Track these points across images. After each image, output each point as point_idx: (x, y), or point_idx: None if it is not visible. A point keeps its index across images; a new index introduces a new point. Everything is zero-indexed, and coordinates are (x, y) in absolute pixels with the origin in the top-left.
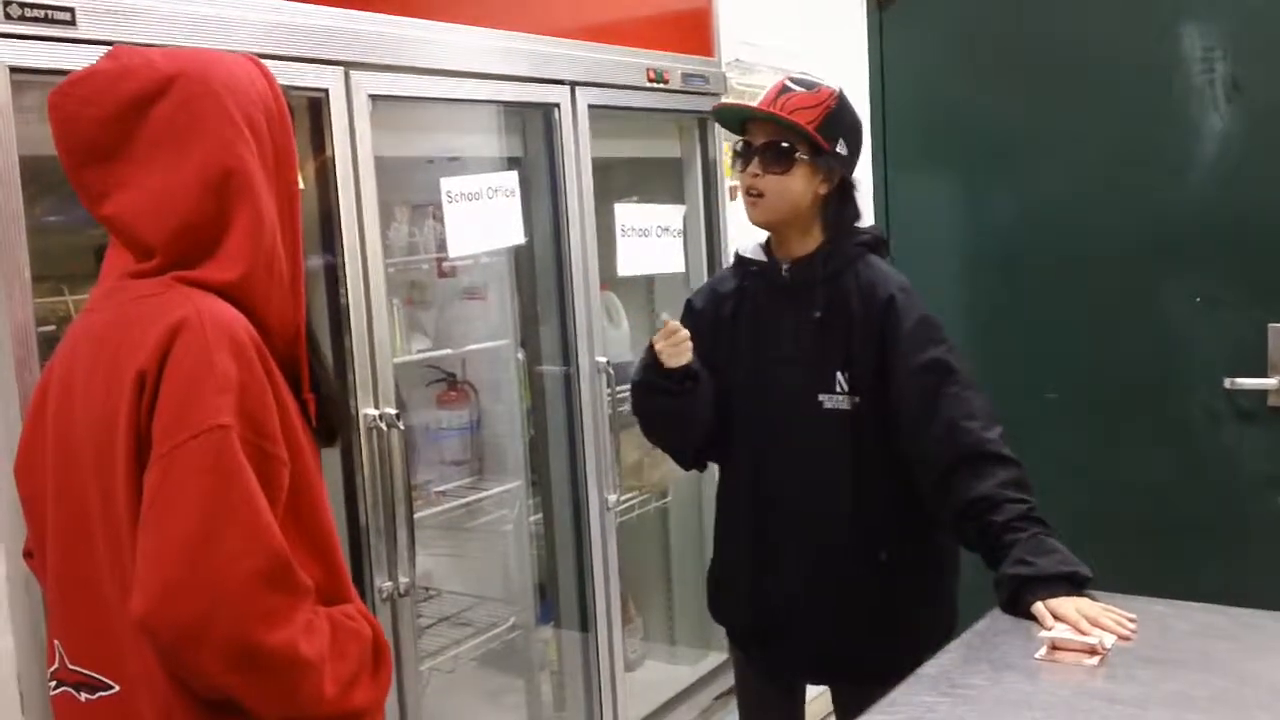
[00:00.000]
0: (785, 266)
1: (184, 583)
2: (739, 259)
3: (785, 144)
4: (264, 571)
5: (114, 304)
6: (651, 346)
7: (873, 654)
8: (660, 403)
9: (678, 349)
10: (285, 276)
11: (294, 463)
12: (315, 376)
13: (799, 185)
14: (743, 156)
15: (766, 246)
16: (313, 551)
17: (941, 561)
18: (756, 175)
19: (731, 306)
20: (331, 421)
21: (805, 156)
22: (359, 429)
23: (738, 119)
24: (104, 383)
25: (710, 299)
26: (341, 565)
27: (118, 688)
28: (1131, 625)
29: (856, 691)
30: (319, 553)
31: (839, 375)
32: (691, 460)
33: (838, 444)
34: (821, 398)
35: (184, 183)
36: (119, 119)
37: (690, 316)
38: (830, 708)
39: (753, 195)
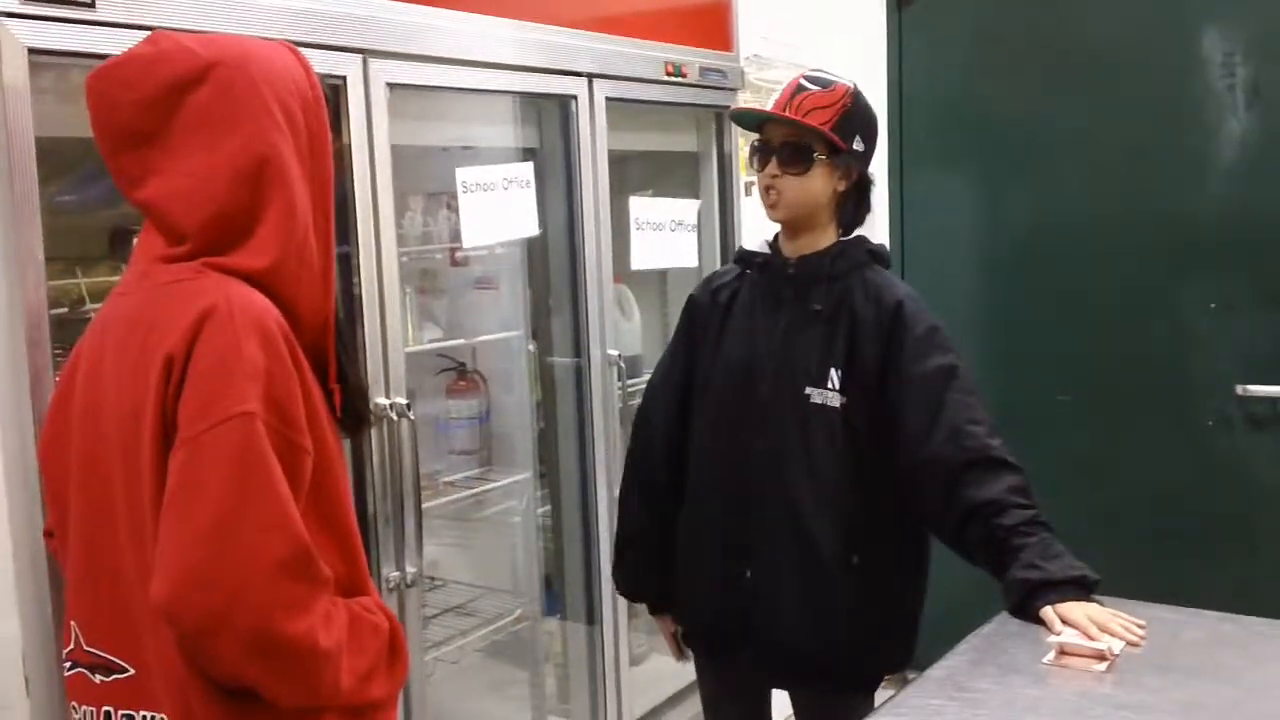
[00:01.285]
0: (791, 261)
1: (206, 570)
2: (742, 252)
3: (803, 144)
4: (286, 560)
5: (145, 288)
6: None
7: (839, 660)
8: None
9: None
10: (316, 266)
11: (317, 454)
12: (342, 367)
13: (817, 185)
14: (760, 155)
15: (773, 243)
16: (333, 542)
17: (911, 571)
18: (775, 175)
19: (727, 296)
20: (357, 412)
21: (823, 156)
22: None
23: (755, 121)
24: (132, 367)
25: (706, 289)
26: (361, 557)
27: (133, 671)
28: (1140, 631)
29: (817, 696)
30: (339, 543)
31: (833, 372)
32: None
33: (819, 439)
34: (809, 391)
35: (219, 169)
36: (157, 103)
37: (688, 309)
38: (789, 711)
39: (772, 195)
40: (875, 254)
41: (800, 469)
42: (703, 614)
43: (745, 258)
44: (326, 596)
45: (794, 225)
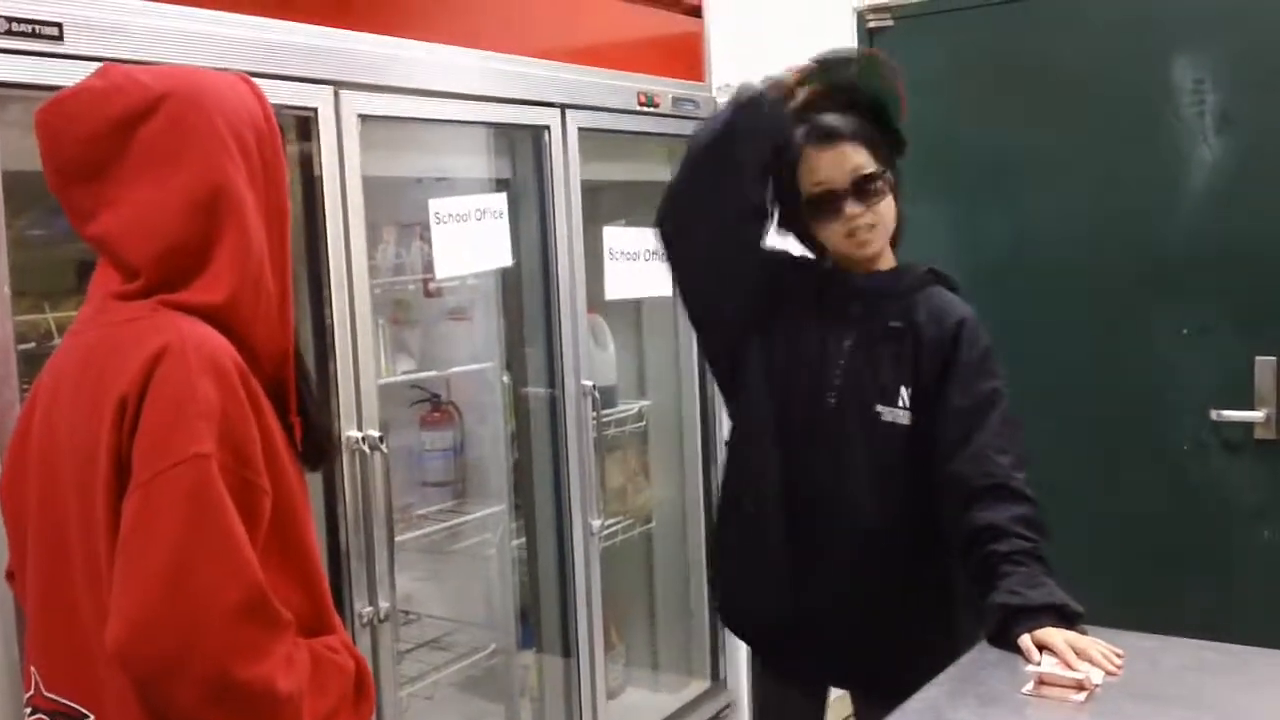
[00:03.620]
0: (859, 276)
1: (160, 614)
2: (807, 261)
3: (874, 170)
4: (241, 604)
5: (99, 326)
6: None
7: (897, 670)
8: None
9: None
10: (274, 298)
11: (278, 490)
12: (302, 400)
13: (894, 207)
14: (828, 202)
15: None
16: (296, 581)
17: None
18: (859, 213)
19: (800, 299)
20: (318, 446)
21: (892, 177)
22: (341, 451)
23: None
24: (87, 407)
25: (797, 276)
26: (326, 595)
27: (93, 717)
28: (1119, 660)
29: (876, 704)
30: (302, 582)
31: (903, 390)
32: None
33: (888, 457)
34: (880, 409)
35: (171, 202)
36: (107, 137)
37: (792, 270)
38: (849, 710)
39: (861, 234)
40: (938, 275)
41: (868, 485)
42: (765, 621)
43: (812, 266)
44: (287, 639)
45: (877, 258)
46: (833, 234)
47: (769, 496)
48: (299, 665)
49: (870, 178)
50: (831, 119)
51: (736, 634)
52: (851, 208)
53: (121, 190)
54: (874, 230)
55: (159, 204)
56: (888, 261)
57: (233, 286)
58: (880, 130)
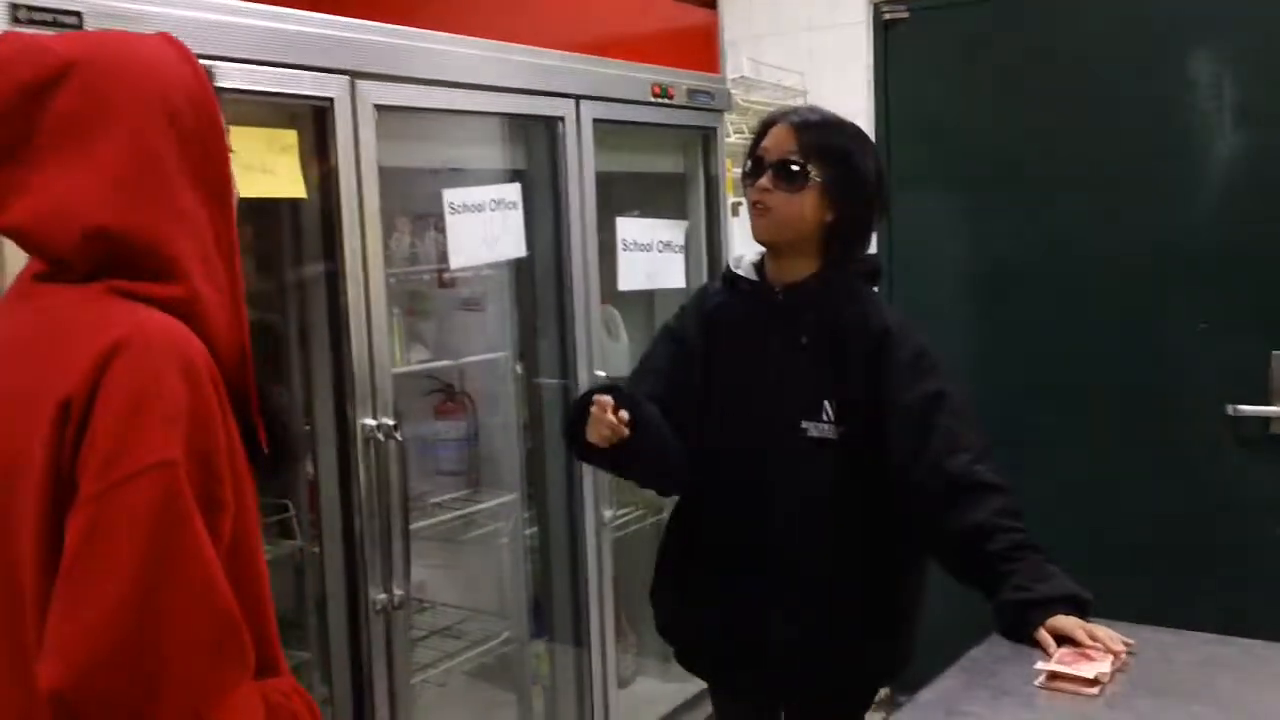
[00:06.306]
0: (778, 289)
1: (118, 650)
2: (730, 275)
3: (799, 162)
4: (214, 639)
5: (28, 313)
6: (584, 401)
7: (827, 680)
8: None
9: (603, 435)
10: (225, 287)
11: (236, 508)
12: (265, 399)
13: (808, 209)
14: (754, 168)
15: (759, 267)
16: (246, 614)
17: (907, 595)
18: (766, 190)
19: (715, 325)
20: (282, 447)
21: (819, 179)
22: (356, 439)
23: None
24: (16, 408)
25: (700, 309)
26: (274, 629)
27: None
28: (1123, 647)
29: (809, 707)
30: (253, 615)
31: (826, 403)
32: (674, 488)
33: (816, 471)
34: (805, 424)
35: (91, 183)
36: (10, 114)
37: (681, 320)
38: None
39: (760, 208)
40: (864, 275)
41: (798, 501)
42: (702, 634)
43: (731, 281)
44: (248, 679)
45: (777, 249)
46: (749, 195)
47: (701, 519)
48: (255, 710)
49: (790, 164)
50: (815, 119)
51: (675, 649)
52: (764, 181)
53: (32, 175)
54: (768, 212)
55: (78, 187)
56: (806, 268)
57: (191, 278)
58: (845, 174)
